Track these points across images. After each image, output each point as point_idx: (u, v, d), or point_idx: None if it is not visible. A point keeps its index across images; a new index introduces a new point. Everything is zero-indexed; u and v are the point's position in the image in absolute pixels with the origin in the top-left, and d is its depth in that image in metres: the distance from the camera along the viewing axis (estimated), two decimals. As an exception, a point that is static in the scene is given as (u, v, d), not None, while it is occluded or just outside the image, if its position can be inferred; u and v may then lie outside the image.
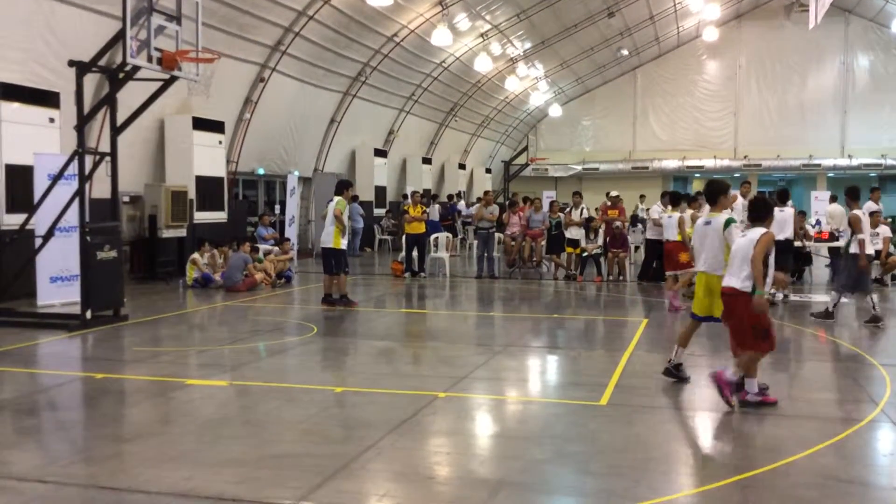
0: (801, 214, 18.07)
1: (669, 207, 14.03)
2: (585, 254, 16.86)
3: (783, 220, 12.31)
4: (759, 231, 6.64)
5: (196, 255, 15.13)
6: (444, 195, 30.11)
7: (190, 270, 15.03)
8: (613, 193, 17.65)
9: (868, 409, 6.81)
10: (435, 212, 22.82)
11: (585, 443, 5.91)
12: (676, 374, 7.57)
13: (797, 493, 4.90)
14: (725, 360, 8.78)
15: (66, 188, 11.07)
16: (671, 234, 13.25)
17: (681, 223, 12.83)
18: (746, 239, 6.68)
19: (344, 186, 13.11)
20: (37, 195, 11.42)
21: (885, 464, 5.68)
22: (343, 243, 12.73)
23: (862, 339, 10.42)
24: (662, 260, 15.54)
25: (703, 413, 6.87)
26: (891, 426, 6.34)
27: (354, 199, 19.75)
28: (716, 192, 7.55)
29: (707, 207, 8.88)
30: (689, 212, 12.99)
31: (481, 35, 24.84)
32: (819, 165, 35.11)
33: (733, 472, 5.25)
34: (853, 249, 11.15)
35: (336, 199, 12.79)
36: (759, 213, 6.85)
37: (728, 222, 7.24)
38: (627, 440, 5.99)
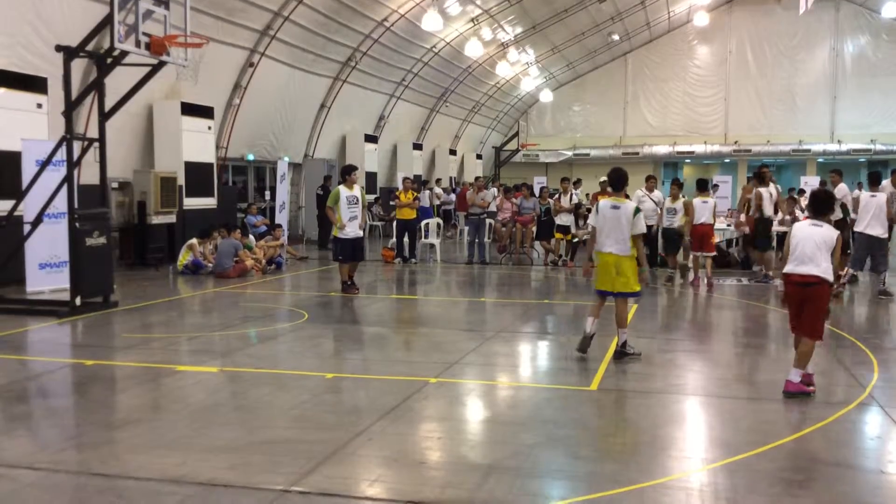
0: (792, 200, 18.15)
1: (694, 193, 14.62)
2: (576, 239, 16.90)
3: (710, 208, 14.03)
4: (832, 230, 6.78)
5: (194, 241, 15.01)
6: (432, 181, 30.05)
7: (184, 254, 14.92)
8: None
9: (855, 392, 6.87)
10: (425, 198, 22.78)
11: (576, 427, 5.94)
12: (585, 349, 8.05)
13: (785, 477, 4.94)
14: (716, 352, 8.83)
15: (55, 174, 11.01)
16: (706, 218, 13.87)
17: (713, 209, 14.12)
18: (824, 231, 6.73)
19: (345, 172, 12.73)
20: (25, 181, 11.35)
21: (873, 447, 5.73)
22: (343, 232, 12.41)
23: (849, 323, 10.48)
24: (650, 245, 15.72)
25: (692, 397, 6.93)
26: (878, 409, 6.40)
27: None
28: (622, 179, 8.27)
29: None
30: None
31: (472, 20, 24.74)
32: (809, 151, 35.23)
33: (722, 455, 5.30)
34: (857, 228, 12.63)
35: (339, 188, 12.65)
36: (822, 206, 7.02)
37: (637, 210, 8.02)
38: (617, 424, 6.04)
